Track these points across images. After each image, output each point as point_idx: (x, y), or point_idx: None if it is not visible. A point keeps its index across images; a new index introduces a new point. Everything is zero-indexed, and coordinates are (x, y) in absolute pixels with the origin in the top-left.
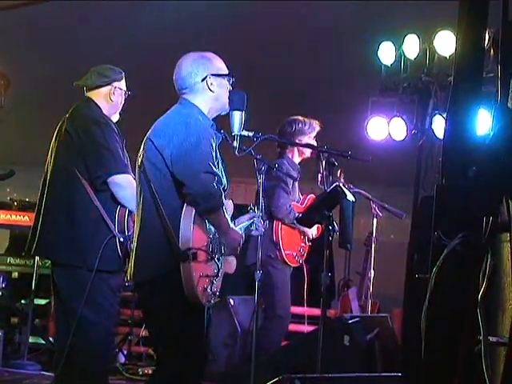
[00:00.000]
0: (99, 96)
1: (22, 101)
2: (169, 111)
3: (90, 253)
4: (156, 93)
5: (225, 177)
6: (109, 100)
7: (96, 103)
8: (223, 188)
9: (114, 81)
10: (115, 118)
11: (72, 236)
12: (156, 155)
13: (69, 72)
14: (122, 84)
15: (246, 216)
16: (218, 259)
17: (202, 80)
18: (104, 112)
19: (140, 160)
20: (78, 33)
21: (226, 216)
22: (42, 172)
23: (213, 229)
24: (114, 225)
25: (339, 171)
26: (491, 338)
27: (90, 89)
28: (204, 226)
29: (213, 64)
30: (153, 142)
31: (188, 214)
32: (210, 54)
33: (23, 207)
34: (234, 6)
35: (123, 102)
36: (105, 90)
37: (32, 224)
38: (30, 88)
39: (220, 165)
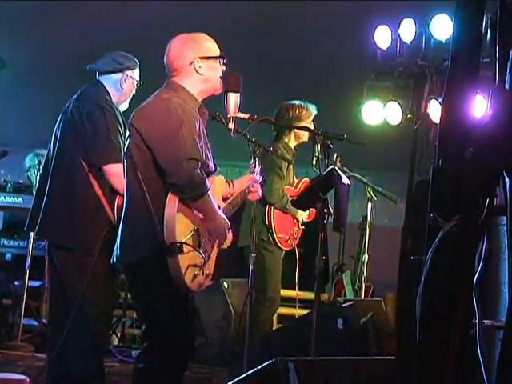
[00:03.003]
0: (110, 81)
1: (17, 83)
2: (153, 94)
3: (86, 237)
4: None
5: (212, 159)
6: (119, 87)
7: (105, 88)
8: (211, 170)
9: (127, 69)
10: (124, 106)
11: (71, 220)
12: (139, 140)
13: (64, 55)
14: (135, 73)
15: (244, 181)
16: (208, 241)
17: (190, 63)
18: (113, 99)
19: (126, 145)
20: (75, 16)
21: (213, 201)
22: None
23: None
24: (114, 213)
25: (335, 155)
26: (486, 322)
27: (102, 73)
28: (189, 212)
29: (201, 46)
30: (135, 127)
31: (172, 204)
32: (199, 36)
33: (17, 189)
34: None
35: (134, 91)
36: (116, 76)
37: (32, 203)
38: (25, 70)
39: (206, 146)
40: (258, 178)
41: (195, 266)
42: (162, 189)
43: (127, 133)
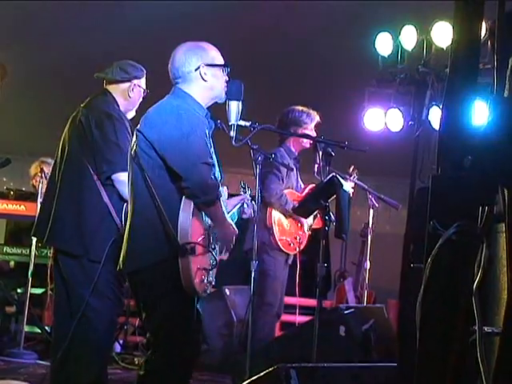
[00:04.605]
0: (117, 91)
1: (19, 90)
2: (160, 101)
3: (92, 244)
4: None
5: (218, 168)
6: (127, 96)
7: (113, 97)
8: (217, 179)
9: (135, 78)
10: (131, 114)
11: (79, 227)
12: (148, 146)
13: (67, 62)
14: (142, 82)
15: (236, 198)
16: (214, 248)
17: (196, 69)
18: (120, 107)
19: (133, 150)
20: (77, 22)
21: (223, 208)
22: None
23: (209, 220)
24: (121, 221)
25: (352, 168)
26: (486, 328)
27: (109, 82)
28: (201, 218)
29: (207, 53)
30: (143, 134)
31: (187, 207)
32: (205, 44)
33: (20, 197)
34: None
35: (141, 99)
36: (124, 85)
37: (40, 210)
38: (28, 78)
39: (213, 155)
40: (249, 199)
41: (204, 269)
42: (171, 194)
43: (133, 138)
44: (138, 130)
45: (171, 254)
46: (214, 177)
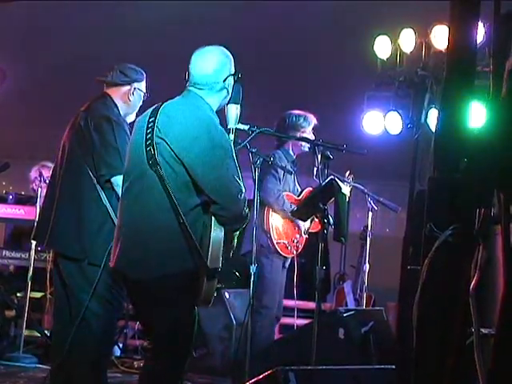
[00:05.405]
0: (117, 94)
1: (18, 94)
2: (178, 104)
3: (92, 248)
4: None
5: None
6: (127, 100)
7: (113, 100)
8: None
9: (135, 81)
10: (131, 118)
11: (78, 230)
12: (175, 160)
13: (67, 66)
14: (142, 85)
15: None
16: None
17: (224, 80)
18: (120, 111)
19: (150, 154)
20: (77, 22)
21: None
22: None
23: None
24: None
25: (347, 173)
26: (483, 330)
27: (110, 85)
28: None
29: (231, 63)
30: (168, 144)
31: (219, 233)
32: (226, 51)
33: (19, 200)
34: None
35: (141, 103)
36: (124, 89)
37: (40, 214)
38: (27, 81)
39: None
40: None
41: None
42: (194, 211)
43: (149, 141)
44: (158, 137)
45: (191, 269)
46: (247, 208)
